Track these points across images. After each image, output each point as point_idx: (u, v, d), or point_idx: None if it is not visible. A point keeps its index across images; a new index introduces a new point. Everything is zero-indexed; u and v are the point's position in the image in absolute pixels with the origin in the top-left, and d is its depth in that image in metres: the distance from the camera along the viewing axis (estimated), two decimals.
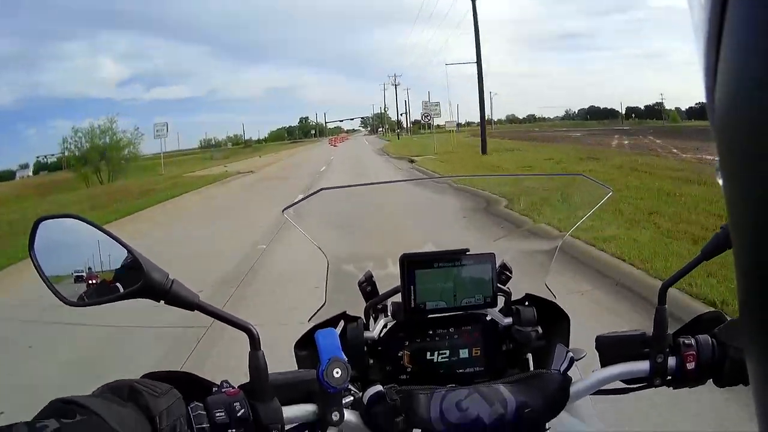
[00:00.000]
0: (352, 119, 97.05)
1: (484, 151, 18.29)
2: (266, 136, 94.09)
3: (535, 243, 0.90)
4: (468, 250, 0.75)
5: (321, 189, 0.82)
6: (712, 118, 0.21)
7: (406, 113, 66.47)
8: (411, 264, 0.73)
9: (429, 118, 27.91)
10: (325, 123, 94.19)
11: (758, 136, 0.19)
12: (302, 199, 0.80)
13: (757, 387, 0.21)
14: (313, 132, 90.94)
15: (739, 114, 0.20)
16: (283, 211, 0.77)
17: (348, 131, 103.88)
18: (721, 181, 0.22)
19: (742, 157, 0.20)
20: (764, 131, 0.19)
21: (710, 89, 0.21)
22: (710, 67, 0.21)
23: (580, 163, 12.44)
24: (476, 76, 18.74)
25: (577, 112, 75.55)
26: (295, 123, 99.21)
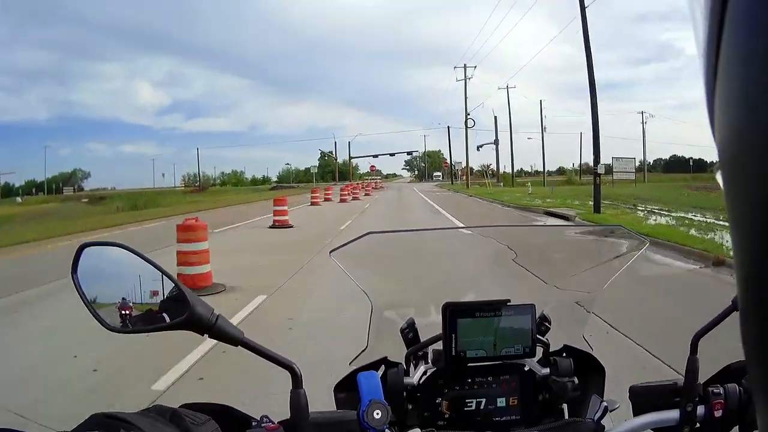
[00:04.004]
0: (393, 155, 73.32)
1: None
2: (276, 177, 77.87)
3: (573, 295, 0.90)
4: (509, 300, 0.76)
5: (369, 233, 0.84)
6: (711, 119, 0.21)
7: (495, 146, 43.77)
8: (453, 313, 0.74)
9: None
10: (350, 158, 69.65)
11: (759, 138, 0.19)
12: (349, 242, 0.81)
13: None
14: (323, 171, 63.45)
15: (739, 115, 0.20)
16: (330, 252, 0.78)
17: (385, 177, 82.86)
18: (721, 184, 0.22)
19: (742, 160, 0.20)
20: (764, 133, 0.18)
21: (710, 90, 0.21)
22: (710, 67, 0.21)
23: None
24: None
25: (652, 162, 69.89)
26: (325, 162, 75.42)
